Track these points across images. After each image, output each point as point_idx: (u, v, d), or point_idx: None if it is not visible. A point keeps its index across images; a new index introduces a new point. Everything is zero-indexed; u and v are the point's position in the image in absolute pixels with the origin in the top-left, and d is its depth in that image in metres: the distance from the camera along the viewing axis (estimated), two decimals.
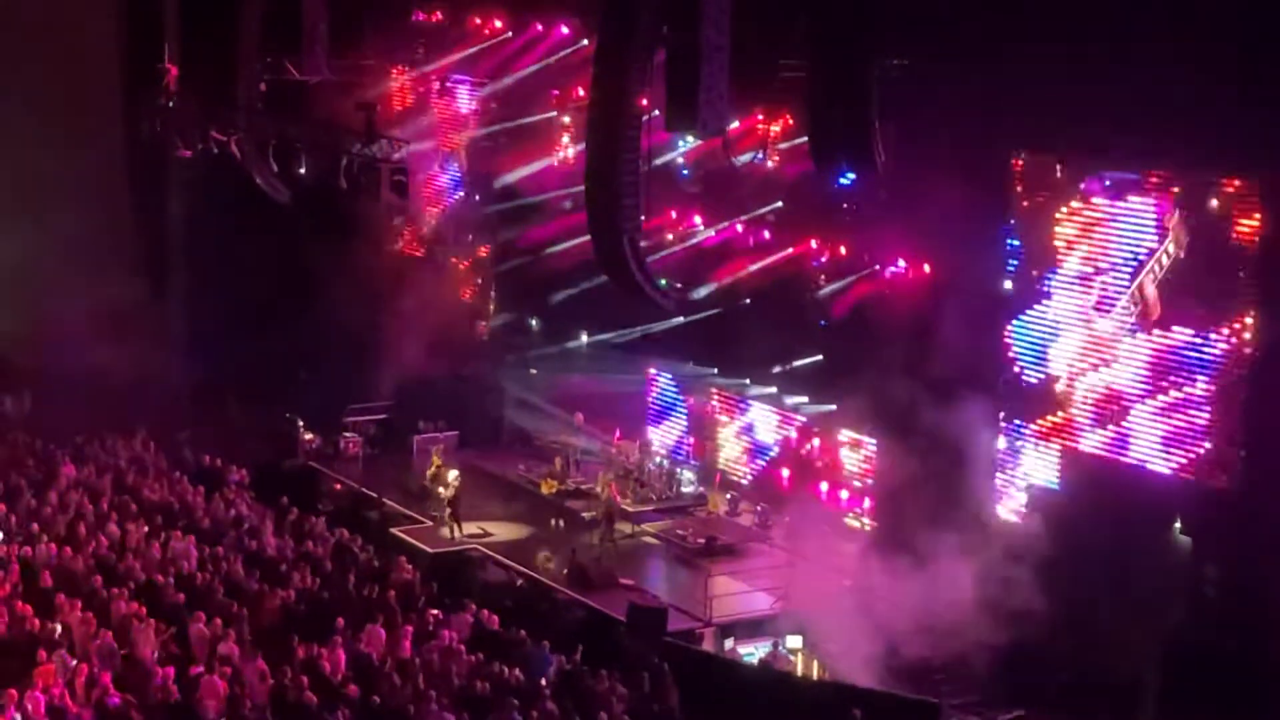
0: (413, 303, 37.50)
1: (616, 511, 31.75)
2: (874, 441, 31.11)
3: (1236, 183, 25.09)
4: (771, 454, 33.85)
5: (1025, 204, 28.13)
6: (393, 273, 38.54)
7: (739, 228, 33.62)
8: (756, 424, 34.24)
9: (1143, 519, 25.82)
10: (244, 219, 39.78)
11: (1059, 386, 27.85)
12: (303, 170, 34.35)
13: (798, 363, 32.94)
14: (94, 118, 39.40)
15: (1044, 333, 28.02)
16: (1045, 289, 27.91)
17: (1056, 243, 27.59)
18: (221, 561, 27.43)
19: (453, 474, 32.49)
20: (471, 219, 40.40)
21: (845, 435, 31.88)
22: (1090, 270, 27.19)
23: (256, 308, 39.82)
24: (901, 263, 30.48)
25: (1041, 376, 28.09)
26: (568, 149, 36.36)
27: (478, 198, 39.93)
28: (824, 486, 32.30)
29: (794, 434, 33.36)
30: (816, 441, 32.78)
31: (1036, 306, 28.09)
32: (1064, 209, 27.46)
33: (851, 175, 27.51)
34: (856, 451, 31.74)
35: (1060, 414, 27.87)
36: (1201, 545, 25.38)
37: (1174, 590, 25.02)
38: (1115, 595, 25.26)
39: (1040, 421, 28.20)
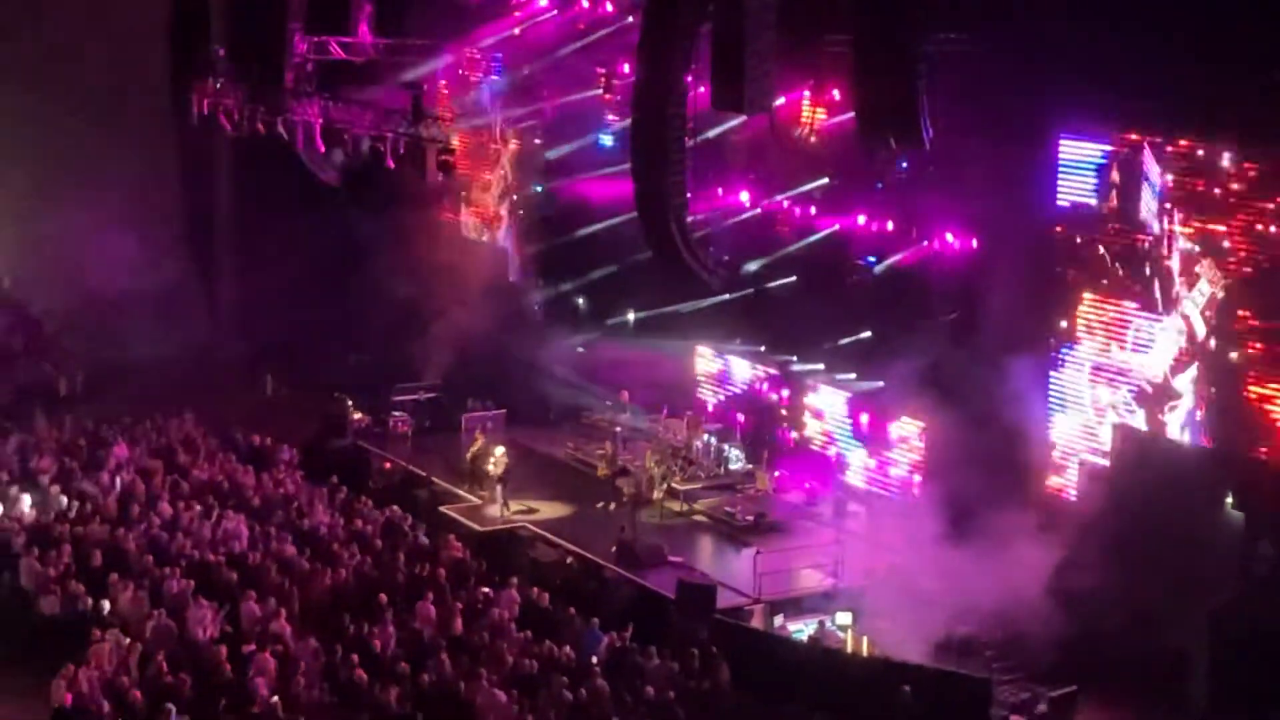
0: (461, 281, 37.55)
1: (647, 489, 31.75)
2: (919, 423, 30.98)
3: None
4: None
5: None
6: (440, 251, 38.57)
7: (785, 204, 33.48)
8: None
9: (1194, 494, 25.63)
10: (291, 199, 39.94)
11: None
12: (350, 150, 34.48)
13: (845, 340, 32.74)
14: (143, 99, 39.61)
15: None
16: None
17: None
18: (272, 540, 27.58)
19: (499, 450, 32.51)
20: (518, 196, 40.42)
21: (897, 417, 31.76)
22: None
23: (304, 287, 39.95)
24: (950, 236, 30.31)
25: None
26: (613, 126, 36.31)
27: (524, 176, 39.93)
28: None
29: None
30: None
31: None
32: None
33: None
34: (905, 426, 31.65)
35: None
36: (1253, 521, 25.17)
37: (1225, 566, 24.82)
38: (1166, 571, 25.08)
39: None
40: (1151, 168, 26.53)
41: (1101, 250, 27.61)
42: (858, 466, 32.55)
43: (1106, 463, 27.88)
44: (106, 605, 24.55)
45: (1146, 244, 26.86)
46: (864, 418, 32.28)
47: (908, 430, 31.49)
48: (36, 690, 22.10)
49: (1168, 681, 24.52)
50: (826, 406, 33.36)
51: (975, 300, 29.06)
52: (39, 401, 35.95)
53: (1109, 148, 27.17)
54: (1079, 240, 27.95)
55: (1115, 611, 25.19)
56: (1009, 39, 26.25)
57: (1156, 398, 26.90)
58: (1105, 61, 24.99)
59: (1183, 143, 25.95)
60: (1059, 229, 28.20)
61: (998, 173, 27.75)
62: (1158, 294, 26.73)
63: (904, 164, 30.07)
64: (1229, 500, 25.44)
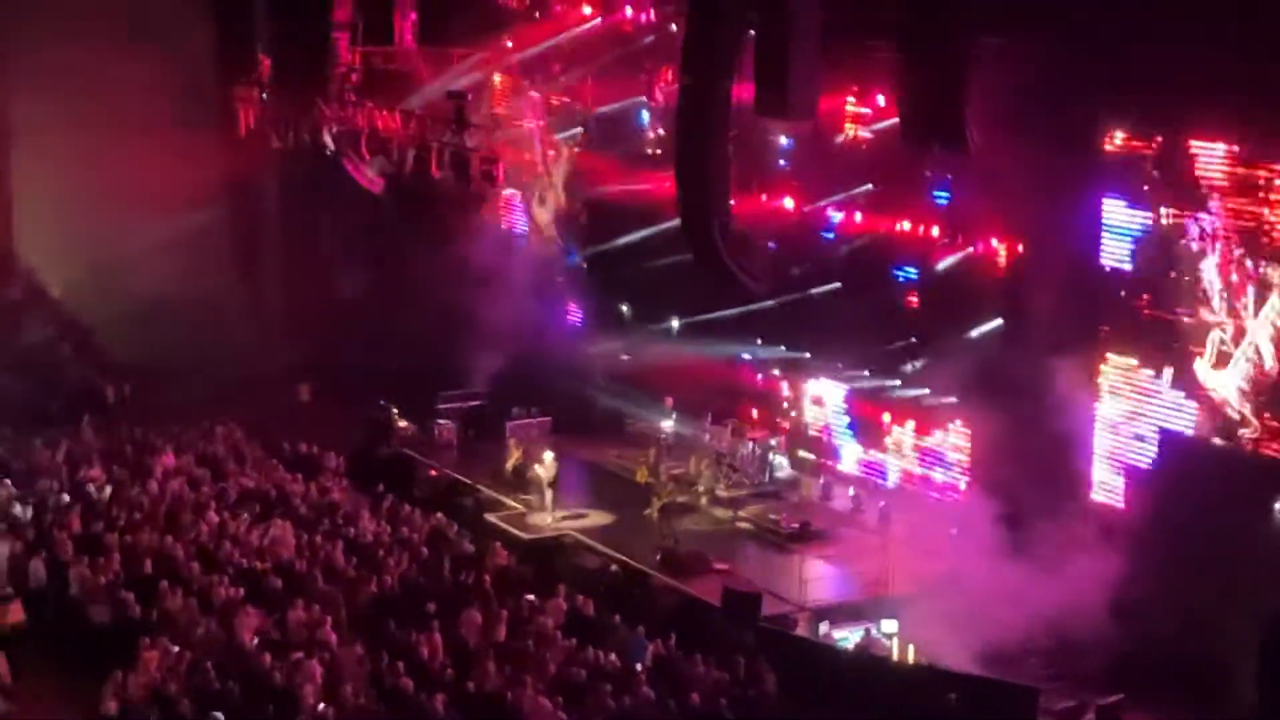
0: (506, 287, 37.62)
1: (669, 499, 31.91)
2: (962, 427, 30.88)
3: None
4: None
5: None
6: (485, 257, 38.67)
7: (830, 209, 33.48)
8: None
9: (1242, 499, 25.43)
10: (337, 209, 40.12)
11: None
12: (395, 159, 34.59)
13: (891, 345, 32.68)
14: (190, 108, 39.84)
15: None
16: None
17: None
18: (319, 548, 27.67)
19: (548, 456, 32.52)
20: (565, 204, 40.51)
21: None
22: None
23: (350, 297, 40.11)
24: (995, 241, 30.20)
25: None
26: (656, 132, 36.34)
27: (572, 189, 40.03)
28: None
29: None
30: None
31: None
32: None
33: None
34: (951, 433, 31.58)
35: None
36: None
37: (1274, 572, 24.62)
38: (1215, 577, 24.91)
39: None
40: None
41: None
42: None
43: (1153, 468, 27.69)
44: (155, 613, 24.66)
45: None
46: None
47: (955, 435, 31.42)
48: (87, 698, 22.24)
49: (1216, 689, 24.34)
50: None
51: (1021, 305, 28.92)
52: (87, 410, 36.20)
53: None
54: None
55: (1163, 619, 25.05)
56: (1055, 40, 26.10)
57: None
58: (1155, 62, 24.82)
59: (1235, 147, 25.73)
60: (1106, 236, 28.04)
61: (1043, 175, 27.59)
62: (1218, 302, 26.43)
63: (946, 171, 30.01)
64: (1277, 505, 25.24)
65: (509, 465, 33.60)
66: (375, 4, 37.19)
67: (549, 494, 32.02)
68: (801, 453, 34.48)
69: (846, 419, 33.94)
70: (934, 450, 31.94)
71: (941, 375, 30.48)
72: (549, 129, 39.24)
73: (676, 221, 28.76)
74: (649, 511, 32.06)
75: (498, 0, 39.17)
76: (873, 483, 32.89)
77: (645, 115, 36.60)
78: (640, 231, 36.55)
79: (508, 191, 40.32)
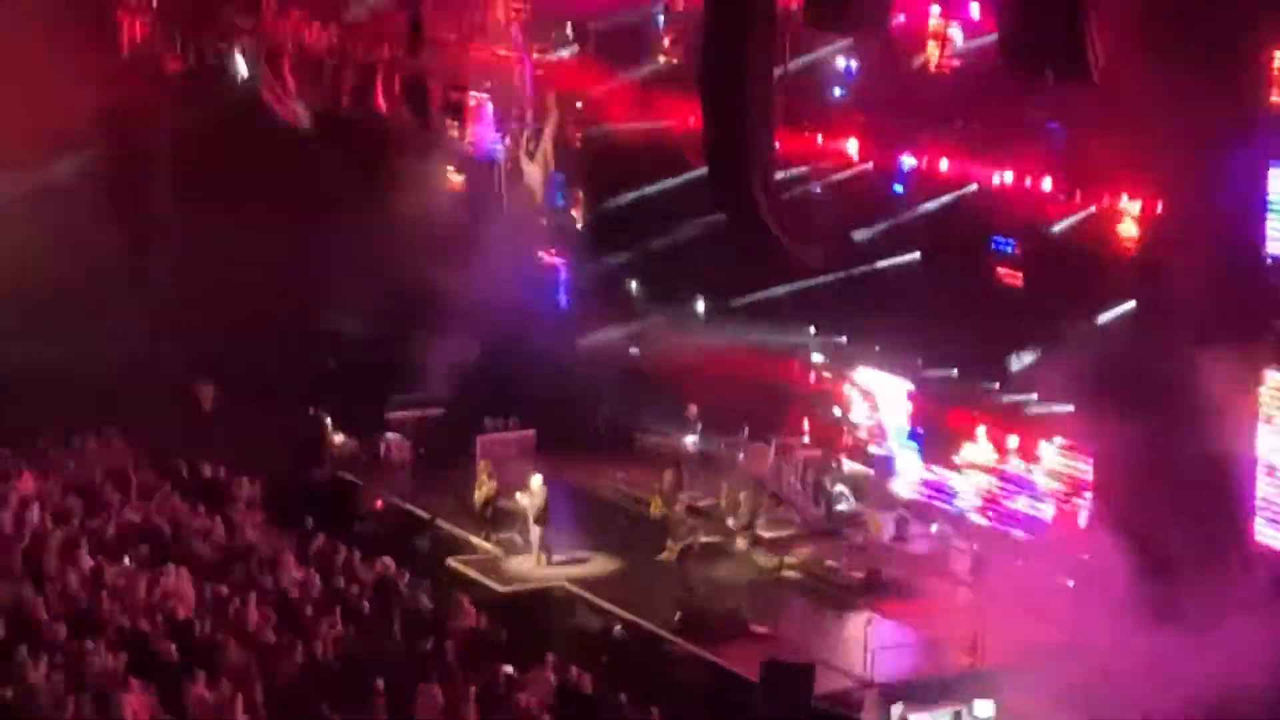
0: (477, 262, 37.66)
1: (697, 541, 31.90)
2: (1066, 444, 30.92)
3: None
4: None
5: None
6: (447, 219, 38.68)
7: (905, 154, 33.46)
8: None
9: None
10: (252, 153, 40.09)
11: None
12: (329, 86, 34.63)
13: (987, 336, 32.67)
14: (52, 23, 39.74)
15: None
16: None
17: None
18: (227, 604, 27.69)
19: (535, 480, 32.53)
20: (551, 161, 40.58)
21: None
22: None
23: (267, 271, 40.15)
24: (1125, 198, 30.18)
25: None
26: (672, 60, 36.41)
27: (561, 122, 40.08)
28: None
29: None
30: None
31: None
32: None
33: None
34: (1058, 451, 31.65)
35: None
36: None
37: None
38: None
39: None
40: None
41: None
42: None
43: None
44: (9, 691, 24.66)
45: None
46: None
47: (1067, 455, 31.50)
48: None
49: None
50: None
51: (1162, 283, 28.95)
52: None
53: None
54: None
55: None
56: None
57: None
58: None
59: None
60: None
61: (1190, 114, 27.59)
62: None
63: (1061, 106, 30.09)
64: None
65: (480, 494, 33.59)
66: None
67: (535, 531, 32.05)
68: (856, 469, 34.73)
69: (905, 425, 34.11)
70: (1042, 474, 32.03)
71: (1053, 375, 30.52)
72: (530, 48, 39.28)
73: (703, 170, 28.80)
74: (665, 555, 32.08)
75: None
76: (960, 518, 32.89)
77: (661, 20, 36.65)
78: (655, 183, 36.61)
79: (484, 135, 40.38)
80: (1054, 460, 31.89)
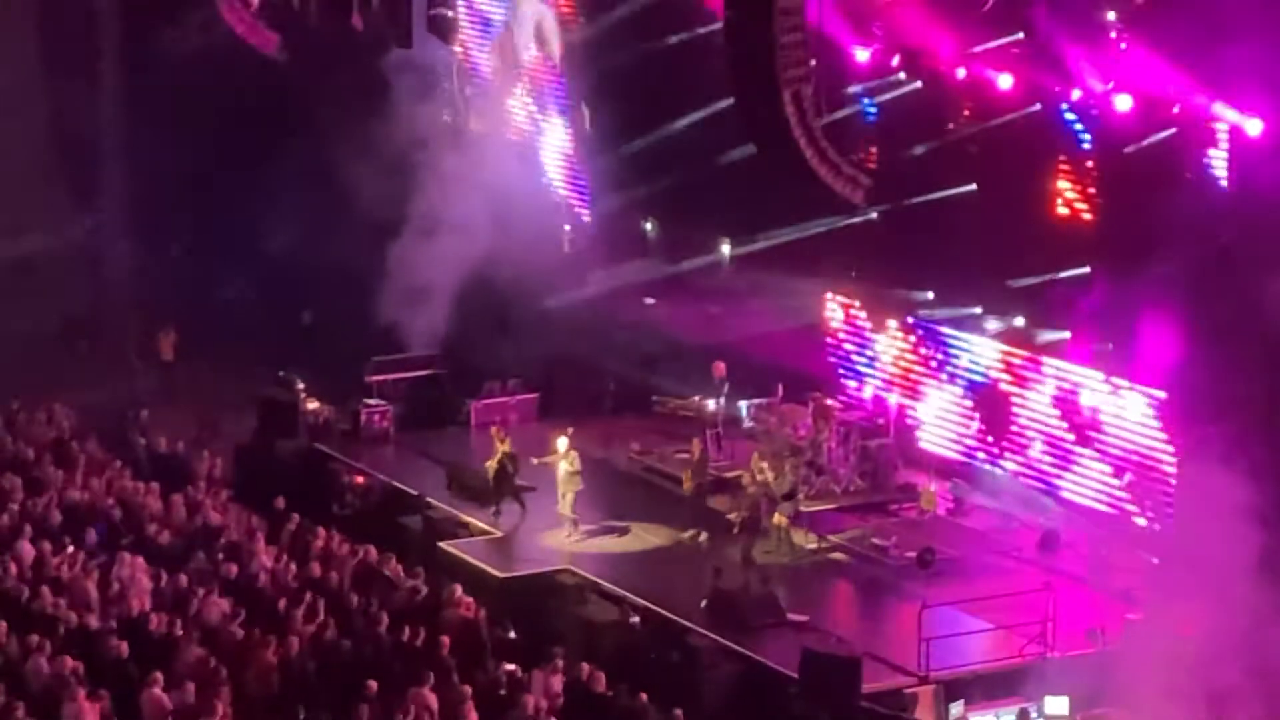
0: (469, 200, 37.60)
1: (765, 512, 31.76)
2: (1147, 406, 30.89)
3: None
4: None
5: None
6: (436, 151, 38.63)
7: (960, 70, 33.42)
8: None
9: None
10: (212, 85, 40.08)
11: None
12: (297, 4, 34.56)
13: (1062, 274, 32.68)
14: None
15: None
16: None
17: None
18: (189, 596, 27.68)
19: (561, 442, 32.38)
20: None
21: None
22: None
23: (232, 218, 40.16)
24: (1225, 113, 30.04)
25: None
26: None
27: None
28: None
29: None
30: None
31: None
32: None
33: None
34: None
35: None
36: None
37: None
38: None
39: None
40: None
41: None
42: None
43: None
44: None
45: None
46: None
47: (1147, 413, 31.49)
48: None
49: None
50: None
51: (1255, 219, 28.81)
52: None
53: None
54: None
55: None
56: None
57: None
58: None
59: None
60: None
61: None
62: None
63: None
64: None
65: (491, 464, 33.49)
66: None
67: (568, 499, 31.93)
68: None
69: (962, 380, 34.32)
70: (1117, 435, 32.04)
71: (1127, 321, 30.50)
72: None
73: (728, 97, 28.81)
74: (690, 533, 32.04)
75: None
76: (1028, 489, 32.91)
77: None
78: (675, 107, 36.57)
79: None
80: (1135, 415, 31.76)
